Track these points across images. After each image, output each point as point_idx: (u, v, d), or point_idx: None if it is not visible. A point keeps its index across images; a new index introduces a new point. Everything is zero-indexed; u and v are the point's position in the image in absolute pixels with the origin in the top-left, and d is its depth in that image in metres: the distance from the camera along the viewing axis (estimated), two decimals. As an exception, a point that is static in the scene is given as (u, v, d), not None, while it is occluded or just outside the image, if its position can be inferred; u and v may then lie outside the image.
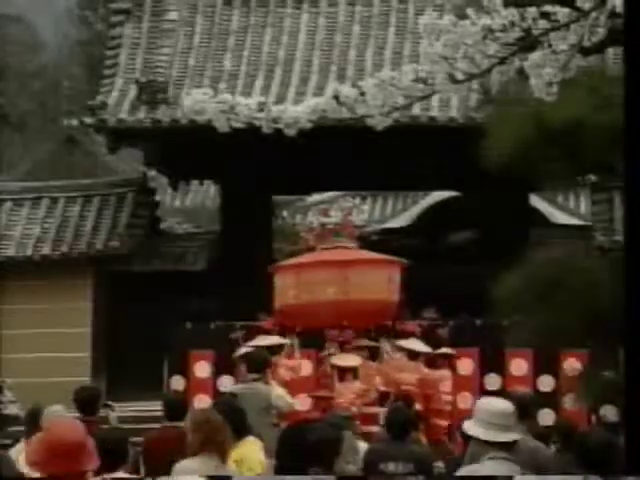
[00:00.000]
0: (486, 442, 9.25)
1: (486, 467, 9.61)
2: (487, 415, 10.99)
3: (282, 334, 19.09)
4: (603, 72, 7.96)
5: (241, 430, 12.10)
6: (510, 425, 9.58)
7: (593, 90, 8.36)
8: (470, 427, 11.06)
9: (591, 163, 11.34)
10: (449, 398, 18.59)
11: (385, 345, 19.20)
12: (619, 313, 8.97)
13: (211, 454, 11.31)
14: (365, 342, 19.13)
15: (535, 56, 4.13)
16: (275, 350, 18.29)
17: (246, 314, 20.19)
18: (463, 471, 10.26)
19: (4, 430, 11.80)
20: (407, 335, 19.36)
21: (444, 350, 19.02)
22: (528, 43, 4.09)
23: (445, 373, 18.82)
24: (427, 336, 19.12)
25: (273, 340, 18.90)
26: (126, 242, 25.30)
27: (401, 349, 19.00)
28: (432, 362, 19.03)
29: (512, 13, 4.11)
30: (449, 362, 18.99)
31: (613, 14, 4.03)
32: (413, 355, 18.98)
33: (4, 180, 32.26)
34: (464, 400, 18.45)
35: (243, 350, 18.53)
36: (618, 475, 11.08)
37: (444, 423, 17.69)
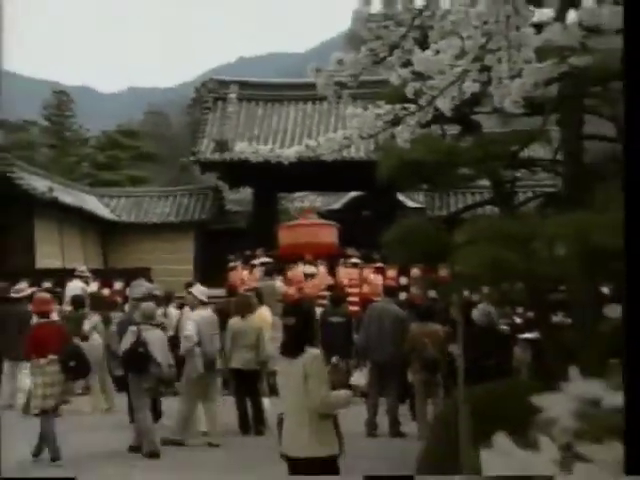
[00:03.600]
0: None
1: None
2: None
3: (268, 258, 19.35)
4: (431, 134, 7.88)
5: (261, 302, 12.15)
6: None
7: (426, 145, 8.26)
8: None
9: (426, 179, 11.27)
10: (358, 286, 18.72)
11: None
12: (437, 243, 9.04)
13: (241, 314, 11.48)
14: (322, 263, 19.17)
15: (400, 128, 4.10)
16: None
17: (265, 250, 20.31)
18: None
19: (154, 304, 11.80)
20: (351, 257, 19.43)
21: (378, 264, 18.91)
22: (396, 121, 4.05)
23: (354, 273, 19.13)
24: (364, 260, 19.37)
25: (263, 262, 18.89)
26: (209, 215, 25.24)
27: (349, 264, 19.12)
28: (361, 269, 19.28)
29: (389, 107, 4.08)
30: (380, 271, 19.02)
31: (435, 109, 3.99)
32: (354, 265, 19.08)
33: (152, 188, 32.09)
34: (369, 288, 18.40)
35: (259, 263, 18.92)
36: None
37: (357, 299, 17.66)
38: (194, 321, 11.13)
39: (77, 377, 10.03)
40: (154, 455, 9.81)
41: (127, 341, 10.28)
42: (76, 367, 9.63)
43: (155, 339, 10.23)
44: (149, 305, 10.96)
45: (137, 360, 10.00)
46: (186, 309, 13.26)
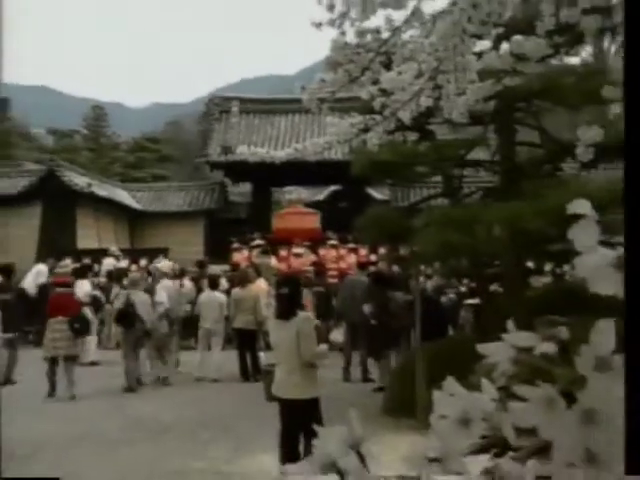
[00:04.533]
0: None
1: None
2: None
3: (264, 241, 19.13)
4: (394, 141, 7.85)
5: (259, 275, 12.08)
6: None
7: (391, 149, 8.21)
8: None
9: (390, 176, 11.23)
10: (336, 262, 18.57)
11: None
12: (399, 227, 9.01)
13: (242, 285, 11.40)
14: (308, 244, 19.03)
15: (369, 134, 4.07)
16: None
17: (261, 234, 20.14)
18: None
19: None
20: (330, 239, 19.22)
21: (352, 245, 18.72)
22: (366, 128, 4.02)
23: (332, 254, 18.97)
24: (341, 241, 19.17)
25: (260, 243, 18.74)
26: (216, 205, 25.04)
27: (330, 245, 18.96)
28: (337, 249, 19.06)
29: (360, 117, 4.05)
30: (354, 250, 18.80)
31: (398, 119, 3.95)
32: (334, 246, 19.00)
33: (170, 183, 31.64)
34: (345, 264, 18.26)
35: (256, 244, 18.76)
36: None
37: (335, 273, 17.54)
38: (164, 289, 11.20)
39: (79, 335, 10.21)
40: (130, 390, 10.20)
41: (119, 303, 10.57)
42: (79, 328, 9.97)
43: (140, 301, 10.43)
44: (135, 274, 11.20)
45: (127, 317, 10.30)
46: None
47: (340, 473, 0.44)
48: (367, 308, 10.51)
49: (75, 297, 10.84)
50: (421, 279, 11.70)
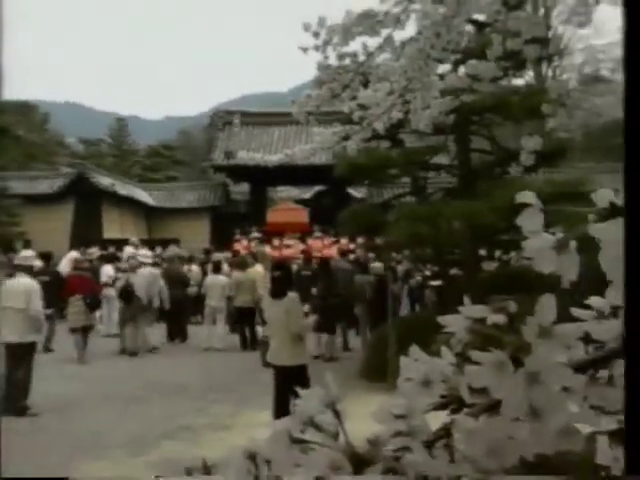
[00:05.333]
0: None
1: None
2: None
3: (260, 232, 19.02)
4: (370, 148, 7.81)
5: (256, 261, 12.01)
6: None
7: (368, 154, 8.18)
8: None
9: (367, 177, 11.21)
10: (321, 251, 18.42)
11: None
12: (374, 221, 8.98)
13: (241, 269, 11.32)
14: (297, 236, 18.96)
15: (349, 142, 4.04)
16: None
17: (258, 227, 20.02)
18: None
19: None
20: (316, 231, 19.11)
21: (334, 238, 18.60)
22: (347, 137, 4.00)
23: (319, 244, 18.87)
24: (325, 233, 19.00)
25: (257, 235, 18.66)
26: (219, 202, 24.84)
27: (316, 236, 18.88)
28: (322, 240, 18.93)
29: (341, 127, 4.03)
30: (335, 242, 18.65)
31: (373, 130, 3.92)
32: (320, 237, 18.87)
33: (181, 183, 31.34)
34: (327, 251, 18.14)
35: (254, 236, 18.62)
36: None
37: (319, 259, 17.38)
38: (141, 275, 11.06)
39: (92, 310, 10.18)
40: (133, 354, 10.34)
41: (120, 283, 10.68)
42: (89, 303, 9.95)
43: (138, 282, 10.54)
44: (134, 261, 11.24)
45: (126, 295, 10.42)
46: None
47: (317, 428, 0.43)
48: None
49: (88, 278, 10.73)
50: (392, 264, 11.68)
